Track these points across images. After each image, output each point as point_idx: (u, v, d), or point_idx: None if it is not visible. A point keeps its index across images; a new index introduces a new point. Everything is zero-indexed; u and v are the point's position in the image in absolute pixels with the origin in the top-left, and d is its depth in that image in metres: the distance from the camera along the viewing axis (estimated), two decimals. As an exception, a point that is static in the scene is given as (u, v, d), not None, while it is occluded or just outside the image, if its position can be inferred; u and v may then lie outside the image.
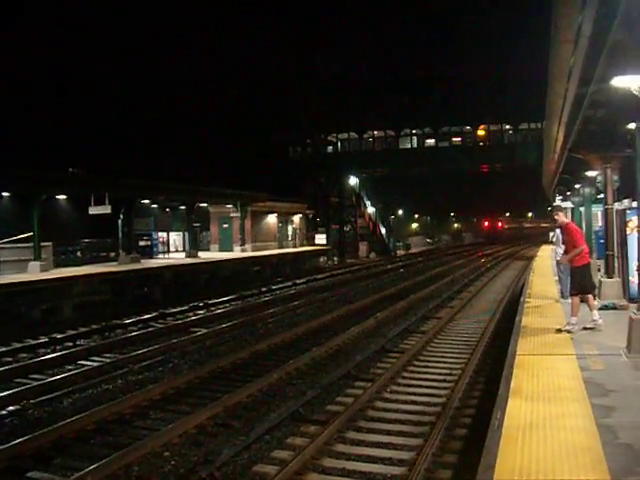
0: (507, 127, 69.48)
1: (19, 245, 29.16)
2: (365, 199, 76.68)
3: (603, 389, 8.99)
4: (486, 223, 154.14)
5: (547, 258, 38.89)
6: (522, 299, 20.32)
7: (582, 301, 13.77)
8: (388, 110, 69.35)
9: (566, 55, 11.33)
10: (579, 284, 13.80)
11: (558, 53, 11.56)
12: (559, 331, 13.50)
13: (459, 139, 70.76)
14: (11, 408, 13.09)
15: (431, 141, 71.37)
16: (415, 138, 71.54)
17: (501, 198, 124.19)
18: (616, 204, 19.58)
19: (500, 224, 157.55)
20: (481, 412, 11.66)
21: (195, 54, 64.74)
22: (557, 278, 20.42)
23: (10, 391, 14.25)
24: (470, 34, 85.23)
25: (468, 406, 12.58)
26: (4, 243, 29.26)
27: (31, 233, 28.78)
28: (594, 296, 14.70)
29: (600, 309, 15.19)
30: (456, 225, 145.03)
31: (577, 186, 30.72)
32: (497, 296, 30.81)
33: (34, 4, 54.38)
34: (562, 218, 15.21)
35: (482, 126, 69.42)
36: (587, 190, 26.74)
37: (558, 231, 17.74)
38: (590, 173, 24.13)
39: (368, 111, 69.35)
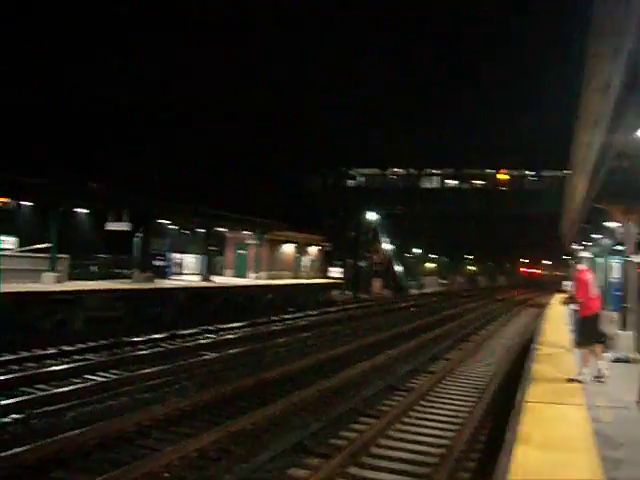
0: (528, 173, 69.33)
1: (36, 255, 29.24)
2: (382, 235, 76.51)
3: (613, 441, 8.88)
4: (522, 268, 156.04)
5: (560, 306, 38.67)
6: (533, 346, 20.17)
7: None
8: (411, 149, 69.43)
9: (595, 104, 11.29)
10: (585, 334, 13.74)
11: (587, 101, 11.52)
12: (570, 380, 13.39)
13: (481, 182, 70.64)
14: (15, 416, 13.05)
15: (452, 182, 71.29)
16: (437, 178, 71.51)
17: (517, 244, 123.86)
18: (635, 257, 19.44)
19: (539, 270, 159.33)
20: (486, 457, 11.53)
21: (219, 77, 65.08)
22: (572, 327, 20.25)
23: (15, 399, 14.25)
24: (499, 78, 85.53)
25: (473, 450, 12.45)
26: (21, 251, 29.36)
27: (48, 244, 28.86)
28: (603, 347, 14.61)
29: (613, 361, 15.14)
30: (471, 268, 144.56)
31: (596, 236, 30.57)
32: (508, 342, 30.62)
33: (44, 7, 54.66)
34: (579, 267, 15.20)
35: (503, 170, 69.31)
36: (606, 241, 26.60)
37: None
38: (611, 224, 24.01)
39: (391, 148, 69.43)
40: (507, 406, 13.85)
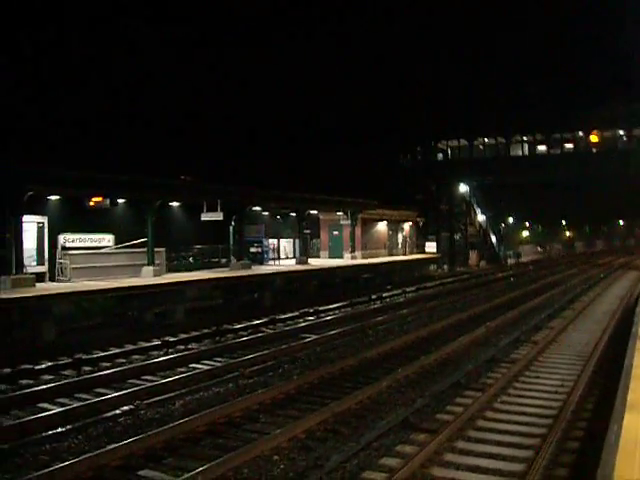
0: (621, 132, 67.69)
1: (134, 250, 29.78)
2: (475, 207, 75.64)
3: None
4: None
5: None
6: (638, 309, 19.75)
7: None
8: (499, 117, 68.51)
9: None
10: None
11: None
12: None
13: (571, 145, 69.22)
14: (125, 408, 13.37)
15: (542, 148, 70.00)
16: (526, 145, 70.34)
17: (614, 206, 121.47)
18: None
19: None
20: (595, 426, 11.37)
21: (302, 60, 65.32)
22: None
23: (124, 391, 14.61)
24: (586, 36, 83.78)
25: (581, 419, 12.28)
26: (120, 248, 29.95)
27: (145, 239, 29.36)
28: None
29: None
30: (568, 233, 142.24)
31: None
32: (611, 307, 30.06)
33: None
34: None
35: (595, 131, 67.80)
36: None
37: None
38: None
39: (478, 118, 68.61)
40: (614, 373, 13.65)
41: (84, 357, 18.64)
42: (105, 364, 18.58)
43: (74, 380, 16.25)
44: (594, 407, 13.00)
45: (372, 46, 78.31)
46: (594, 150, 67.83)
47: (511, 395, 14.23)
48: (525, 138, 69.51)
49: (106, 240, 30.15)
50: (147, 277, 28.58)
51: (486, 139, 70.76)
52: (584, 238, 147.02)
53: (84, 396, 14.83)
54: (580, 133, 67.71)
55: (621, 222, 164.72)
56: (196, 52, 61.46)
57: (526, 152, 70.05)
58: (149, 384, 15.64)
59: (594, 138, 67.91)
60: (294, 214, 44.13)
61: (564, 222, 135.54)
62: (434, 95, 71.60)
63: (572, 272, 57.26)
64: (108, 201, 29.17)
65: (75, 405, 13.67)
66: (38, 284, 24.60)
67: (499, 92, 76.20)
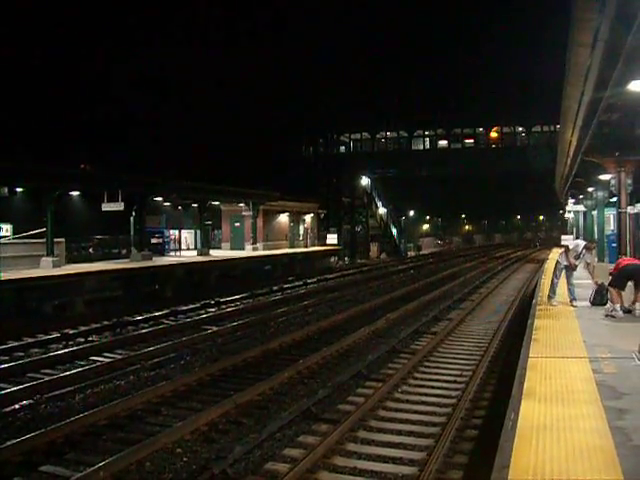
0: (520, 129, 69.22)
1: (32, 241, 29.25)
2: (377, 200, 76.43)
3: (616, 392, 8.97)
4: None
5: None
6: (534, 301, 20.26)
7: None
8: (401, 111, 69.36)
9: (583, 59, 11.33)
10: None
11: (575, 56, 11.56)
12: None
13: (471, 141, 70.52)
14: (24, 402, 13.14)
15: (444, 142, 71.15)
16: (427, 139, 71.38)
17: (512, 201, 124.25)
18: (629, 208, 19.56)
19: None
20: (492, 414, 11.66)
21: (211, 54, 65.04)
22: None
23: (22, 385, 14.35)
24: (485, 36, 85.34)
25: (479, 407, 12.58)
26: (18, 238, 29.38)
27: (44, 229, 28.84)
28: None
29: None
30: (467, 227, 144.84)
31: (590, 189, 30.68)
32: (508, 298, 30.77)
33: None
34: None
35: (495, 128, 69.20)
36: (600, 194, 26.70)
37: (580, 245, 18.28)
38: (604, 177, 24.09)
39: (381, 111, 69.32)
40: (510, 363, 14.00)
41: (-21, 350, 18.30)
42: (3, 357, 18.19)
43: (-31, 374, 15.89)
44: (492, 396, 13.30)
45: (275, 37, 78.25)
46: (493, 146, 69.29)
47: (411, 385, 14.45)
48: (427, 132, 70.54)
49: (4, 230, 29.57)
50: (46, 268, 28.06)
51: (388, 133, 71.52)
52: (483, 231, 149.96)
53: (-19, 390, 14.52)
54: (480, 129, 69.03)
55: (518, 217, 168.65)
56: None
57: (427, 146, 71.12)
58: (48, 378, 15.39)
59: (494, 134, 69.34)
60: (195, 205, 43.98)
61: (463, 216, 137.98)
62: (337, 87, 71.96)
63: (471, 264, 58.23)
64: (6, 190, 28.55)
65: (-29, 399, 13.38)
66: None
67: (403, 87, 76.92)
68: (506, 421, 8.17)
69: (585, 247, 17.99)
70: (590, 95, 13.17)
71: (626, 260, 17.20)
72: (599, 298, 17.38)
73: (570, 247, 18.78)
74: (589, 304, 17.55)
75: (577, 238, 38.72)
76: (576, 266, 18.13)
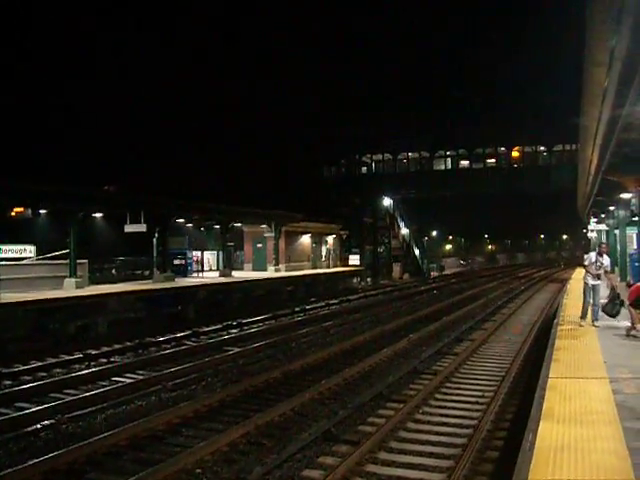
0: (541, 149, 68.99)
1: (55, 262, 29.43)
2: (399, 220, 76.30)
3: (635, 412, 8.94)
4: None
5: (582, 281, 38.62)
6: (555, 321, 20.19)
7: None
8: (422, 131, 69.35)
9: (600, 78, 11.33)
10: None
11: (591, 75, 11.57)
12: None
13: (493, 160, 70.34)
14: (45, 422, 13.19)
15: (465, 162, 70.98)
16: (449, 159, 71.25)
17: (535, 220, 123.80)
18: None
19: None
20: (513, 434, 11.61)
21: (230, 75, 65.33)
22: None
23: (45, 405, 14.42)
24: (506, 55, 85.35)
25: (500, 428, 12.53)
26: (41, 259, 29.57)
27: (67, 250, 29.02)
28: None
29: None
30: (490, 247, 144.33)
31: (611, 208, 30.56)
32: (530, 318, 30.66)
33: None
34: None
35: (516, 148, 69.00)
36: (622, 212, 26.59)
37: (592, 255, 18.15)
38: (625, 195, 24.01)
39: (402, 132, 69.30)
40: (531, 383, 13.95)
41: (4, 370, 18.40)
42: (26, 377, 18.31)
43: (-6, 394, 15.99)
44: (513, 417, 13.25)
45: (296, 57, 78.53)
46: (515, 165, 69.09)
47: (432, 406, 14.41)
48: (448, 153, 70.42)
49: (27, 251, 29.75)
50: (69, 289, 28.24)
51: (410, 153, 71.46)
52: (506, 251, 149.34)
53: (4, 410, 14.58)
54: (502, 148, 68.87)
55: (542, 236, 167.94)
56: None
57: (449, 166, 70.97)
58: (70, 398, 15.47)
59: (515, 154, 69.15)
60: (218, 226, 44.10)
61: (486, 235, 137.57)
62: (359, 109, 72.16)
63: (494, 285, 58.10)
64: (30, 211, 28.78)
65: (-6, 420, 13.46)
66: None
67: (425, 107, 77.07)
68: (524, 442, 8.16)
69: (597, 253, 18.13)
70: (608, 114, 13.17)
71: None
72: (610, 307, 17.43)
73: (586, 263, 18.82)
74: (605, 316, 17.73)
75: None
76: (599, 275, 18.24)
